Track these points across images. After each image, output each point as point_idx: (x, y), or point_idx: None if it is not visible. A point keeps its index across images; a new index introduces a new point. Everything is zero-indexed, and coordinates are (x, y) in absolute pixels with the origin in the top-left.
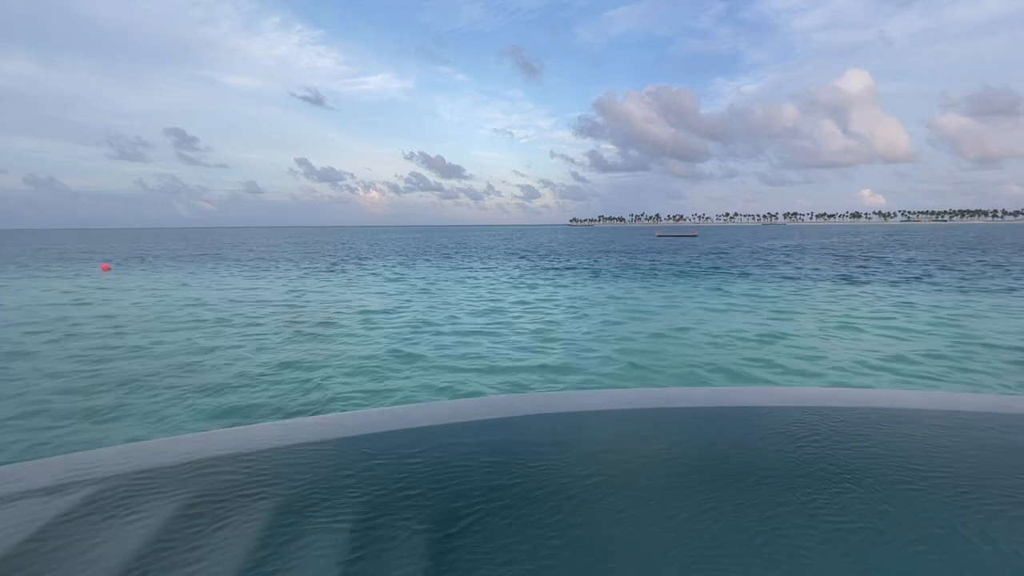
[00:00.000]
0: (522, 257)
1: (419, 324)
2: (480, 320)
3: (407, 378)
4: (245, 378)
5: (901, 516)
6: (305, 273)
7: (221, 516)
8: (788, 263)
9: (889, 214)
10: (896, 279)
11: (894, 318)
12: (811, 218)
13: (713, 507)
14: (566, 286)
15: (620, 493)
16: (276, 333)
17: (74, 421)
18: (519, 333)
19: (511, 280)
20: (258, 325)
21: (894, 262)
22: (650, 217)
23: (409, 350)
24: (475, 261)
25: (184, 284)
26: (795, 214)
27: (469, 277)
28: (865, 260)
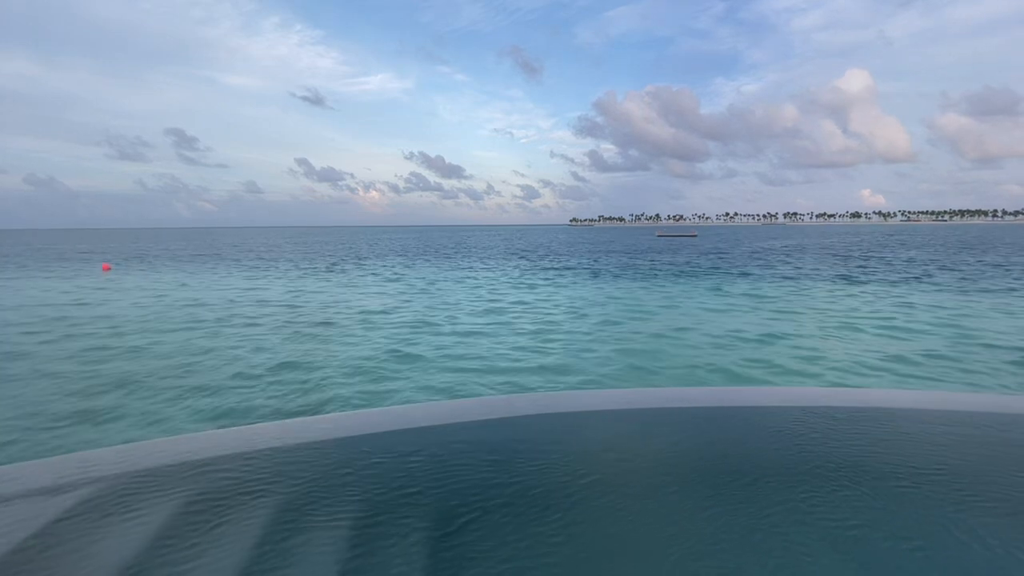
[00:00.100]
0: (522, 257)
1: (419, 324)
2: (480, 320)
3: (407, 378)
4: (244, 378)
5: (900, 515)
6: (304, 273)
7: (221, 516)
8: (788, 263)
9: (889, 214)
10: (896, 279)
11: (894, 318)
12: (811, 218)
13: (712, 506)
14: (566, 286)
15: (619, 493)
16: (275, 333)
17: (73, 421)
18: (519, 333)
19: (511, 280)
20: (257, 325)
21: (894, 262)
22: (650, 217)
23: (409, 350)
24: (475, 261)
25: (184, 284)
26: (795, 214)
27: (469, 277)
28: (865, 260)
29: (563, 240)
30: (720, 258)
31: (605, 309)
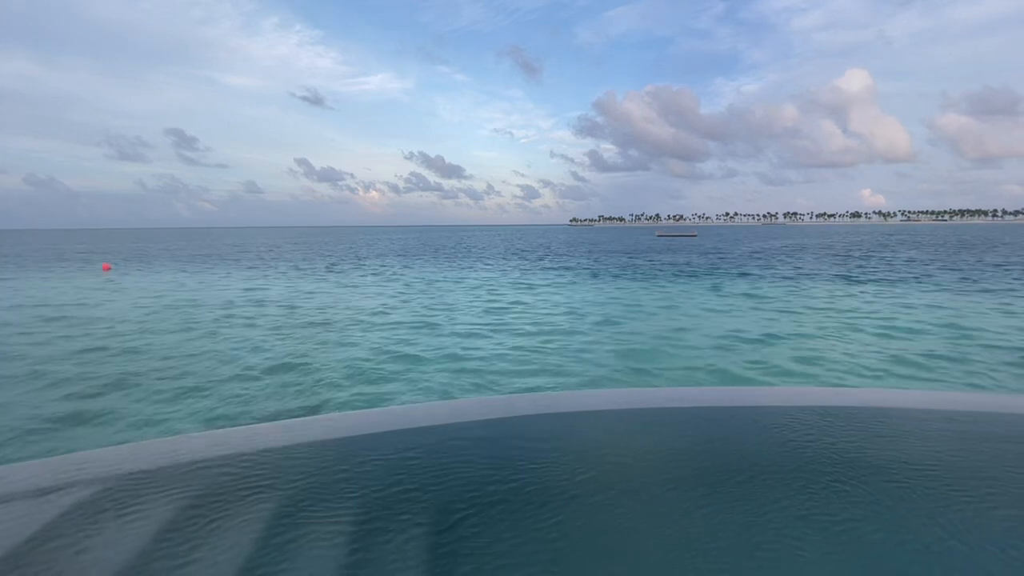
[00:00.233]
0: (521, 257)
1: (418, 325)
2: (479, 320)
3: (406, 379)
4: (243, 379)
5: (899, 515)
6: (304, 273)
7: (221, 516)
8: (788, 263)
9: (889, 214)
10: (896, 279)
11: (894, 318)
12: (811, 218)
13: (712, 506)
14: (565, 286)
15: (619, 492)
16: (274, 334)
17: (71, 421)
18: (518, 334)
19: (511, 280)
20: (256, 326)
21: (894, 262)
22: (650, 217)
23: (408, 351)
24: (474, 261)
25: (183, 284)
26: (795, 214)
27: (468, 277)
28: (865, 260)
29: (563, 240)
30: (720, 258)
31: (605, 309)
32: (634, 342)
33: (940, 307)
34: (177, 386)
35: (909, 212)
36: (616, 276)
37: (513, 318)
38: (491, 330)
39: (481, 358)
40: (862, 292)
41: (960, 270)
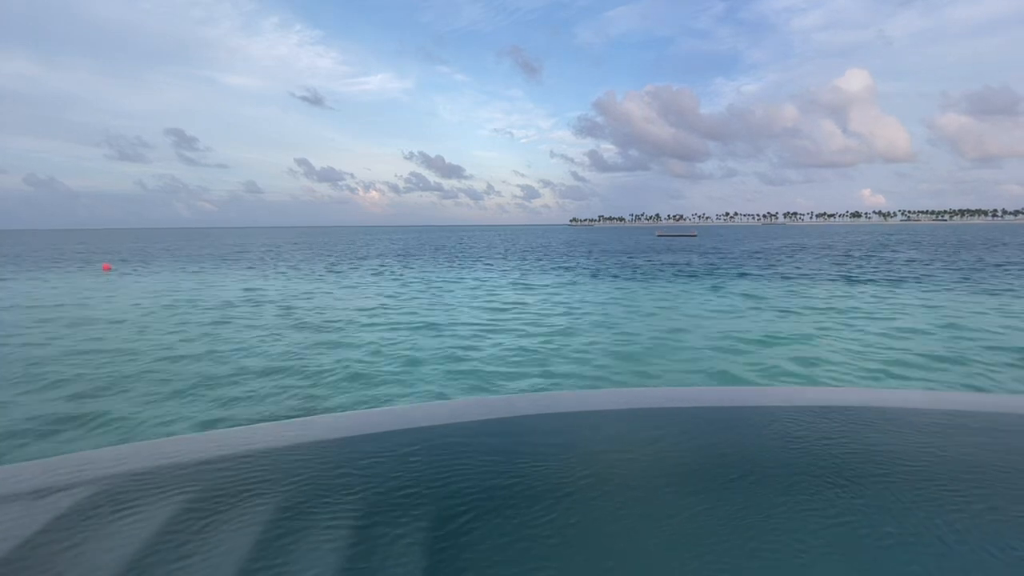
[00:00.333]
0: (521, 257)
1: (418, 325)
2: (479, 321)
3: (406, 379)
4: (242, 379)
5: (899, 515)
6: (303, 274)
7: (221, 516)
8: (788, 263)
9: (889, 214)
10: (896, 279)
11: (894, 318)
12: (811, 218)
13: (712, 506)
14: (565, 286)
15: (620, 493)
16: (274, 334)
17: (70, 422)
18: (518, 334)
19: (510, 280)
20: (255, 327)
21: (894, 262)
22: (650, 217)
23: (408, 351)
24: (474, 261)
25: (183, 284)
26: (795, 214)
27: (468, 277)
28: (865, 260)
29: (563, 240)
30: (720, 258)
31: (604, 309)
32: (634, 342)
33: (940, 307)
34: (176, 386)
35: (909, 212)
36: (616, 276)
37: (513, 318)
38: (491, 330)
39: (481, 358)
40: (862, 292)
41: (960, 270)
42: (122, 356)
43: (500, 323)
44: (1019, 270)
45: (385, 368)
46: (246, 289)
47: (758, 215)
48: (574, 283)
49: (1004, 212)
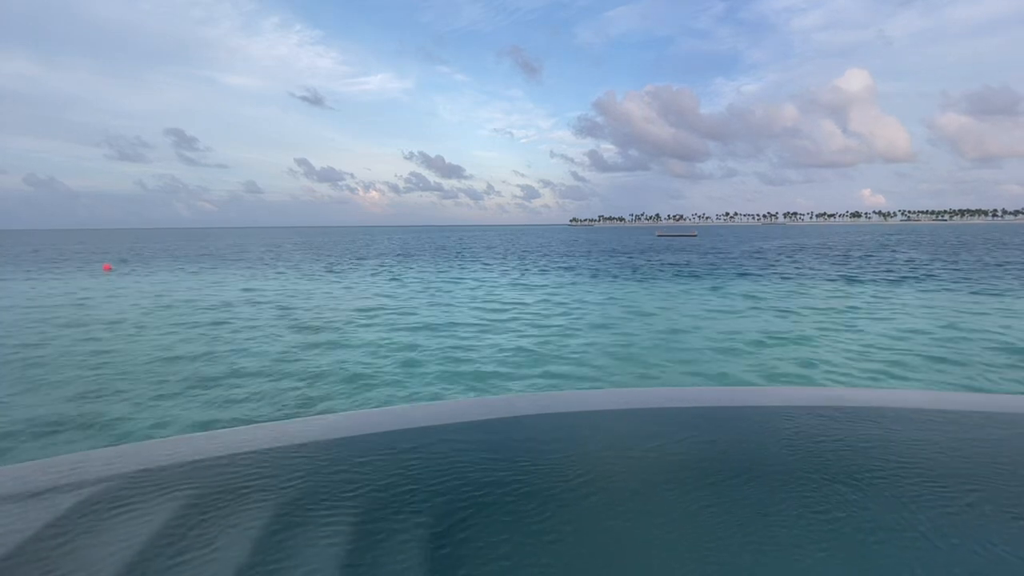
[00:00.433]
0: (521, 257)
1: (418, 325)
2: (479, 321)
3: (405, 379)
4: (242, 379)
5: (899, 515)
6: (303, 274)
7: (221, 516)
8: (788, 263)
9: (889, 214)
10: (896, 278)
11: (894, 318)
12: (811, 218)
13: (712, 506)
14: (565, 286)
15: (619, 492)
16: (272, 334)
17: (69, 421)
18: (518, 334)
19: (510, 280)
20: (254, 327)
21: (894, 262)
22: (650, 217)
23: (408, 351)
24: (474, 261)
25: (183, 285)
26: (795, 214)
27: (468, 278)
28: (865, 259)
29: (563, 240)
30: (720, 258)
31: (604, 309)
32: (633, 343)
33: (940, 307)
34: (175, 387)
35: (909, 212)
36: (615, 276)
37: (512, 319)
38: (490, 331)
39: (480, 359)
40: (862, 292)
41: (960, 270)
42: (121, 356)
43: (499, 323)
44: (1019, 270)
45: (384, 368)
46: (245, 289)
47: (758, 215)
48: (574, 283)
49: (1004, 212)
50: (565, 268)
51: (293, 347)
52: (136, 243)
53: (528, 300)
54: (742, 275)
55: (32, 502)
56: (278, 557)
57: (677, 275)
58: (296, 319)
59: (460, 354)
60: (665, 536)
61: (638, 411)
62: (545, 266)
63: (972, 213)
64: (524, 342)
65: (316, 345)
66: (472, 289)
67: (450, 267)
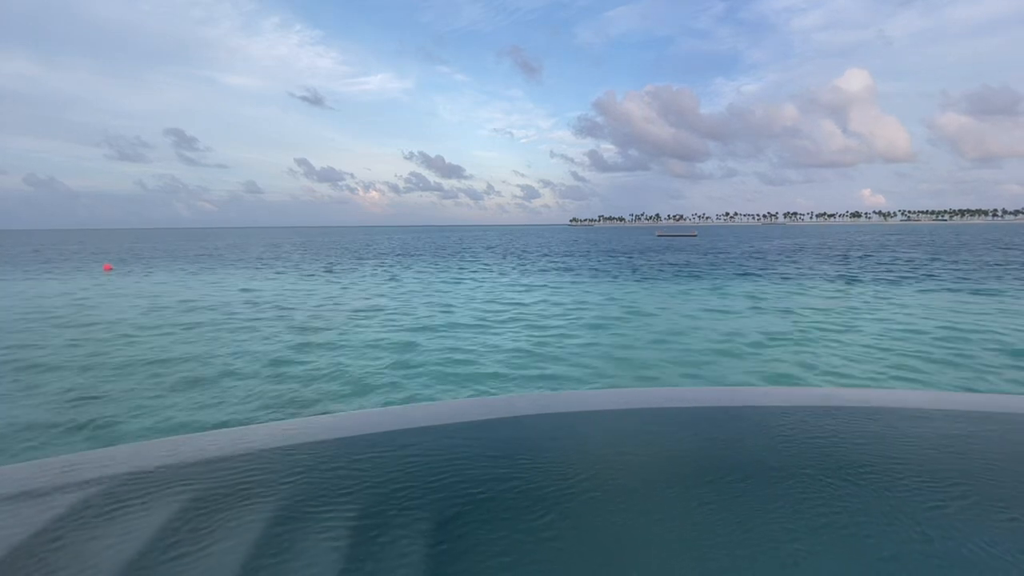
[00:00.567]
0: (521, 257)
1: (417, 325)
2: (478, 321)
3: (405, 379)
4: (241, 380)
5: (899, 515)
6: (303, 274)
7: (221, 516)
8: (788, 263)
9: (889, 214)
10: (896, 278)
11: (894, 318)
12: (811, 218)
13: (712, 506)
14: (565, 286)
15: (619, 492)
16: (272, 335)
17: (68, 421)
18: (518, 333)
19: (510, 281)
20: (254, 328)
21: (894, 261)
22: (650, 217)
23: (407, 351)
24: (474, 261)
25: (182, 285)
26: (795, 214)
27: (467, 278)
28: (865, 260)
29: (563, 240)
30: (720, 258)
31: (604, 310)
32: (633, 343)
33: (940, 307)
34: (174, 387)
35: (909, 212)
36: (616, 276)
37: (512, 319)
38: (490, 331)
39: (480, 359)
40: (862, 292)
41: (960, 270)
42: (120, 356)
43: (499, 323)
44: (1019, 270)
45: (384, 369)
46: (245, 289)
47: (758, 215)
48: (574, 283)
49: (1004, 212)
50: (565, 268)
51: (292, 347)
52: (136, 243)
53: (528, 300)
54: (742, 275)
55: (32, 502)
56: (278, 557)
57: (677, 275)
58: (295, 319)
59: (460, 355)
60: (664, 535)
61: (638, 411)
62: (545, 266)
63: (972, 213)
64: (524, 342)
65: (315, 345)
66: (472, 289)
67: (449, 267)
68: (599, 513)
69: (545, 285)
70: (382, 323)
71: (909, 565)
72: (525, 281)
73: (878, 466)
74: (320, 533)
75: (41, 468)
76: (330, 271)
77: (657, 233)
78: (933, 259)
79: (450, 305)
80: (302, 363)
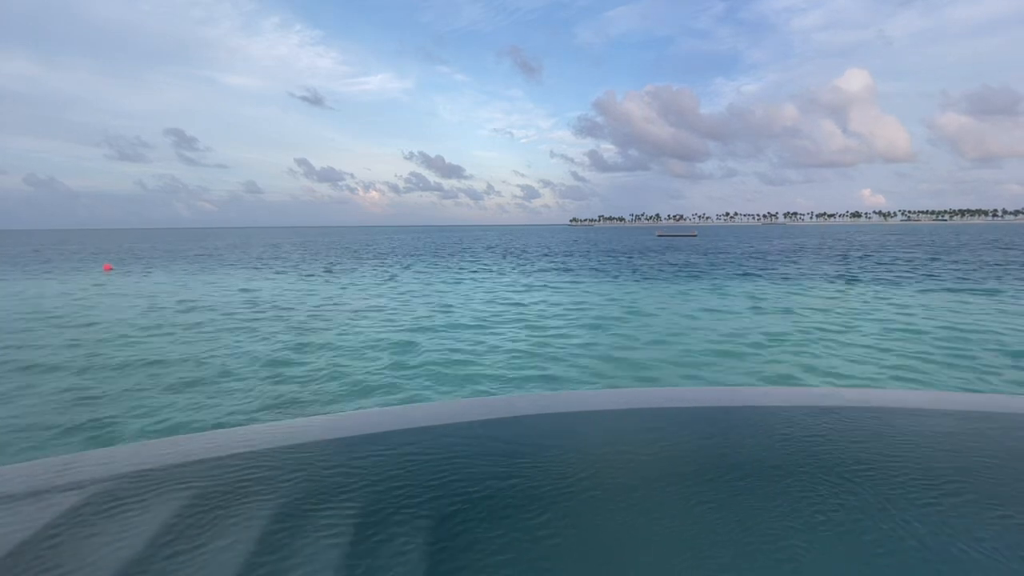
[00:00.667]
0: (521, 257)
1: (417, 325)
2: (478, 321)
3: (405, 379)
4: (241, 380)
5: (899, 514)
6: (302, 274)
7: (221, 516)
8: (788, 263)
9: (889, 214)
10: (896, 278)
11: (894, 318)
12: (811, 218)
13: (711, 505)
14: (565, 286)
15: (619, 492)
16: (272, 335)
17: (68, 421)
18: (517, 333)
19: (509, 281)
20: (253, 329)
21: (894, 262)
22: (650, 217)
23: (407, 351)
24: (474, 262)
25: (182, 285)
26: (795, 214)
27: (467, 278)
28: (865, 260)
29: (563, 240)
30: (720, 258)
31: (604, 310)
32: (633, 343)
33: (940, 307)
34: (174, 387)
35: (909, 212)
36: (616, 276)
37: (512, 319)
38: (489, 331)
39: (480, 359)
40: (862, 292)
41: (960, 270)
42: (120, 356)
43: (499, 324)
44: (1020, 270)
45: (383, 368)
46: (244, 289)
47: (758, 215)
48: (574, 283)
49: (1004, 212)
50: (565, 268)
51: (291, 348)
52: (136, 243)
53: (527, 300)
54: (742, 275)
55: (32, 502)
56: (279, 557)
57: (677, 275)
58: (295, 319)
59: (459, 355)
60: (665, 535)
61: (637, 411)
62: (544, 266)
63: (972, 213)
64: (523, 343)
65: (315, 345)
66: (471, 289)
67: (449, 267)
68: (598, 512)
69: (545, 285)
70: (382, 323)
71: (906, 562)
72: (525, 281)
73: (876, 465)
74: (320, 533)
75: (41, 468)
76: (330, 271)
77: (657, 233)
78: (933, 259)
79: (450, 305)
80: (301, 363)
